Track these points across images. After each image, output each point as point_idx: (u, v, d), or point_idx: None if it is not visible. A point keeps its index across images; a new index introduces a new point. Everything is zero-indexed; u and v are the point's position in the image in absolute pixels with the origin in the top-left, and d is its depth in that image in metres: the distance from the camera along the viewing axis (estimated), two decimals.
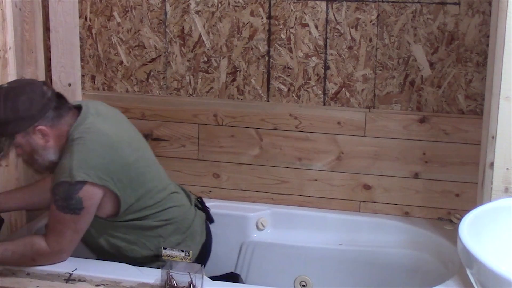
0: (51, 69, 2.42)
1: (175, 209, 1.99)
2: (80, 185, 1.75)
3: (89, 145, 1.80)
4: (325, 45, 2.29)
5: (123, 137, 1.90)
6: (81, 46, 2.48)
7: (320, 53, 2.30)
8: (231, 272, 2.21)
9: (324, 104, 2.34)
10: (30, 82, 1.92)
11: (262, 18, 2.33)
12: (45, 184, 2.03)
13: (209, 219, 2.16)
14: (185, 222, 2.01)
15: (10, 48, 1.99)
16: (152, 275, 1.76)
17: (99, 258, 2.00)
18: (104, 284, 1.75)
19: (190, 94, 2.45)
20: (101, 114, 1.92)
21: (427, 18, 2.19)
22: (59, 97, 1.88)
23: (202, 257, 2.05)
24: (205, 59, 2.40)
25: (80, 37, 2.46)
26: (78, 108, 1.90)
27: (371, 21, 2.24)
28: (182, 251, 1.70)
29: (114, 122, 1.95)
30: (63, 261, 1.84)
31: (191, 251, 1.71)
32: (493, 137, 1.69)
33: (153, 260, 1.93)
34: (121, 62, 2.48)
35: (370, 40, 2.25)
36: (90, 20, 2.48)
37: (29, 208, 2.12)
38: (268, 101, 2.39)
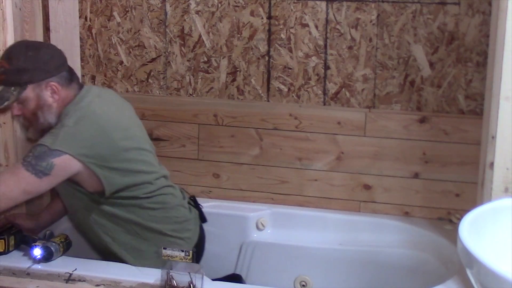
0: None
1: (168, 197, 1.99)
2: (59, 153, 1.74)
3: (81, 122, 1.80)
4: (325, 45, 2.29)
5: (119, 122, 1.90)
6: (81, 46, 2.48)
7: (320, 53, 2.30)
8: (233, 274, 2.21)
9: (324, 104, 2.34)
10: (49, 43, 1.99)
11: (262, 18, 2.33)
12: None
13: (202, 218, 2.15)
14: (177, 214, 2.01)
15: None
16: (152, 275, 1.76)
17: (89, 242, 2.03)
18: (104, 284, 1.75)
19: (190, 94, 2.45)
20: (101, 96, 1.93)
21: (427, 18, 2.19)
22: (71, 69, 1.93)
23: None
24: (205, 59, 2.41)
25: (80, 37, 2.46)
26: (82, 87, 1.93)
27: (371, 21, 2.24)
28: (182, 251, 1.70)
29: (115, 107, 1.95)
30: None
31: (191, 251, 1.71)
32: (493, 137, 1.69)
33: (137, 255, 1.94)
34: (121, 62, 2.48)
35: (370, 40, 2.25)
36: (90, 20, 2.48)
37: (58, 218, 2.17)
38: (268, 101, 2.39)
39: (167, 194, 1.99)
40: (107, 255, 1.98)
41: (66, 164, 1.76)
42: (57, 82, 1.83)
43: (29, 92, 1.81)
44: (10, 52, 1.84)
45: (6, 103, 1.80)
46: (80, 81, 1.97)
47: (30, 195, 1.80)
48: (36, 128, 1.88)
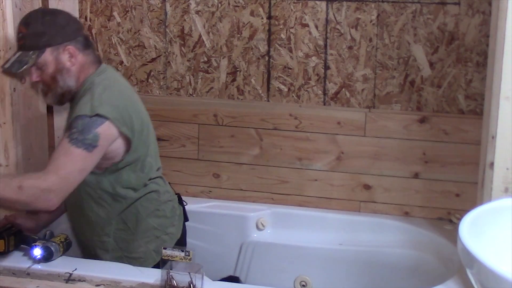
0: None
1: (161, 188, 2.00)
2: (100, 120, 1.75)
3: (110, 89, 1.84)
4: (325, 45, 2.29)
5: (137, 97, 1.97)
6: None
7: (320, 53, 2.30)
8: (231, 276, 2.21)
9: (324, 104, 2.34)
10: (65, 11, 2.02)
11: (262, 18, 2.33)
12: None
13: (185, 216, 2.13)
14: (166, 208, 2.01)
15: (10, 48, 1.99)
16: (152, 275, 1.76)
17: (77, 237, 2.03)
18: (104, 284, 1.75)
19: (190, 94, 2.45)
20: (118, 73, 2.02)
21: (427, 18, 2.19)
22: (86, 36, 1.97)
23: None
24: (205, 59, 2.41)
25: None
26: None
27: (371, 21, 2.24)
28: (182, 251, 1.70)
29: (129, 85, 2.01)
30: (49, 204, 1.69)
31: (191, 251, 1.71)
32: (493, 137, 1.69)
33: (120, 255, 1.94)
34: (121, 62, 2.48)
35: (370, 40, 2.25)
36: (90, 20, 2.48)
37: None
38: (268, 101, 2.39)
39: (160, 185, 2.00)
40: (92, 246, 1.99)
41: (108, 132, 1.77)
42: (74, 46, 1.86)
43: (48, 55, 1.83)
44: (28, 18, 1.87)
45: (25, 67, 1.82)
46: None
47: (86, 172, 1.76)
48: (55, 93, 1.88)
